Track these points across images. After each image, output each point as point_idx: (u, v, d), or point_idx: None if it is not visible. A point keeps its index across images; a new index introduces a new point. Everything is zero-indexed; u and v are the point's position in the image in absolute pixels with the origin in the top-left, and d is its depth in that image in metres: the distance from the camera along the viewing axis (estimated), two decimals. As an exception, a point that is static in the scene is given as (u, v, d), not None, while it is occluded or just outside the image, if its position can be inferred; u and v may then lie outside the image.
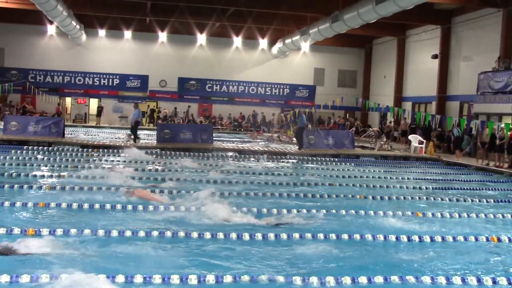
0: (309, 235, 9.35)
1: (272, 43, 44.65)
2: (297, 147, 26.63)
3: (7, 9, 37.27)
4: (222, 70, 45.35)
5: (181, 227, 9.56)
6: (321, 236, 9.37)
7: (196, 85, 45.59)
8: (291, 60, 46.11)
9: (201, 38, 44.26)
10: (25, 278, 6.59)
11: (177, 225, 9.83)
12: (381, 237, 9.54)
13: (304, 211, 11.55)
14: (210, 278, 6.96)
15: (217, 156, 22.38)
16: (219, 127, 41.68)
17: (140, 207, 11.12)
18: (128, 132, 28.41)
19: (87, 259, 7.67)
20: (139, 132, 27.85)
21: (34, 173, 15.37)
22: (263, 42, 44.77)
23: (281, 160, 22.44)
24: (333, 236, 9.42)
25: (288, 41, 40.67)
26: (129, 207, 11.12)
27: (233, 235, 9.10)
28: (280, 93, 46.46)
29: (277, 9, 33.45)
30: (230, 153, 23.55)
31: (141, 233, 9.03)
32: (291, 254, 8.47)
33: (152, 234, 9.04)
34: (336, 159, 23.43)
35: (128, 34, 43.96)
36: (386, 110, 37.02)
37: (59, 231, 8.82)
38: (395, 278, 7.29)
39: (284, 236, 9.29)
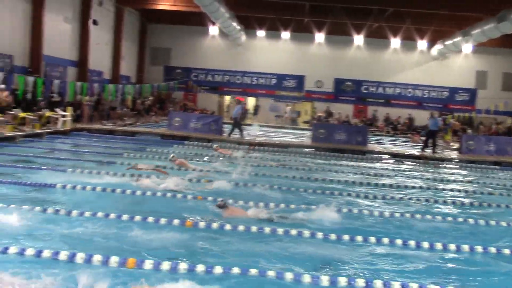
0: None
1: (431, 44, 43.29)
2: (456, 152, 25.63)
3: (174, 12, 39.63)
4: (379, 71, 44.69)
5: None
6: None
7: (351, 86, 45.36)
8: (451, 62, 44.38)
9: (358, 39, 43.91)
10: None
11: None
12: None
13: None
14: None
15: (372, 159, 22.14)
16: (374, 129, 41.10)
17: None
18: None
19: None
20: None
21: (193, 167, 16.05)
22: (421, 44, 43.52)
23: (437, 165, 21.69)
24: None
25: (448, 42, 39.20)
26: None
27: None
28: (438, 96, 44.91)
29: (437, 9, 32.36)
30: (384, 156, 23.18)
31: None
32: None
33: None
34: (498, 167, 22.23)
35: (285, 34, 44.71)
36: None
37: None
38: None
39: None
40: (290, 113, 44.83)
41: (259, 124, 37.31)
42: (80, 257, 6.84)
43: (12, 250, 6.94)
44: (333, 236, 8.92)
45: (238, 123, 26.56)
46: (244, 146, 23.01)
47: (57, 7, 29.97)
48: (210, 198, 11.13)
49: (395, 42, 43.63)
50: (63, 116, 24.51)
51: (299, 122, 44.83)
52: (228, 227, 9.02)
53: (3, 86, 20.40)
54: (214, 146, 19.90)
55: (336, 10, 35.36)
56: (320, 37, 44.21)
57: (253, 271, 6.82)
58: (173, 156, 16.03)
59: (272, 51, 45.50)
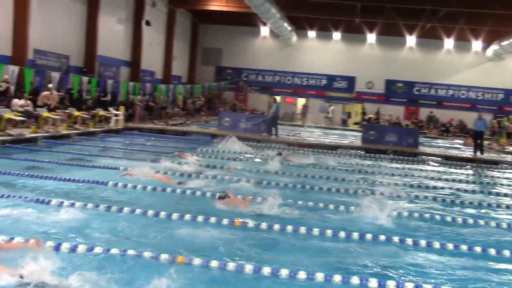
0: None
1: (486, 45, 42.40)
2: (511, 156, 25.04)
3: (226, 12, 39.92)
4: (431, 72, 44.05)
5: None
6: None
7: (403, 88, 44.83)
8: (507, 63, 43.36)
9: (410, 39, 43.36)
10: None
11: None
12: None
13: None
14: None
15: (422, 161, 21.84)
16: (426, 131, 40.47)
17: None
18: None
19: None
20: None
21: (243, 166, 16.11)
22: (476, 44, 42.68)
23: (491, 169, 21.23)
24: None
25: (505, 43, 38.31)
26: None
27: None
28: (493, 98, 43.93)
29: (492, 9, 31.67)
30: (435, 159, 22.82)
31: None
32: None
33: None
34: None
35: (336, 35, 44.52)
36: None
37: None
38: None
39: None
40: (332, 113, 44.57)
41: (308, 125, 37.26)
42: (131, 253, 6.97)
43: (65, 246, 7.11)
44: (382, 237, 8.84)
45: (274, 122, 26.61)
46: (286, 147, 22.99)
47: (111, 8, 30.59)
48: (259, 199, 11.12)
49: (449, 42, 42.92)
50: (116, 115, 24.99)
51: (349, 123, 44.54)
52: (277, 227, 9.02)
53: (51, 85, 20.88)
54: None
55: (388, 10, 34.99)
56: (371, 37, 43.85)
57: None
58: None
59: (322, 52, 45.37)
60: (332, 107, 45.08)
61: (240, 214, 9.79)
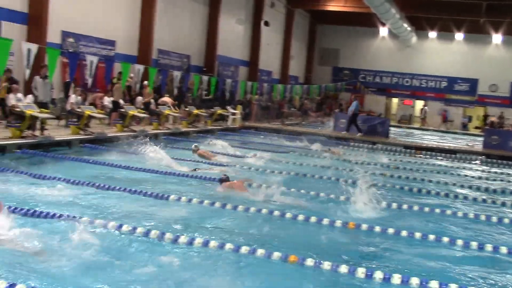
0: None
1: None
2: None
3: (344, 13, 39.65)
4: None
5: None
6: None
7: (530, 91, 42.59)
8: None
9: (540, 40, 41.10)
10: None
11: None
12: None
13: None
14: None
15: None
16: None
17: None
18: None
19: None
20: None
21: (357, 168, 15.95)
22: None
23: None
24: None
25: None
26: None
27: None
28: None
29: None
30: None
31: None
32: None
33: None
34: None
35: (459, 36, 42.96)
36: None
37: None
38: None
39: None
40: (425, 113, 43.16)
41: (425, 128, 36.26)
42: (244, 249, 7.12)
43: (182, 239, 7.38)
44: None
45: (354, 119, 26.22)
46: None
47: (231, 9, 31.32)
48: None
49: None
50: (233, 114, 25.53)
51: (469, 127, 42.87)
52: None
53: (146, 82, 21.60)
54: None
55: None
56: (497, 38, 41.96)
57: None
58: (195, 146, 15.38)
59: (443, 53, 43.96)
60: (426, 107, 43.71)
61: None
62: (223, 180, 10.90)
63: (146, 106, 20.90)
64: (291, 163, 15.98)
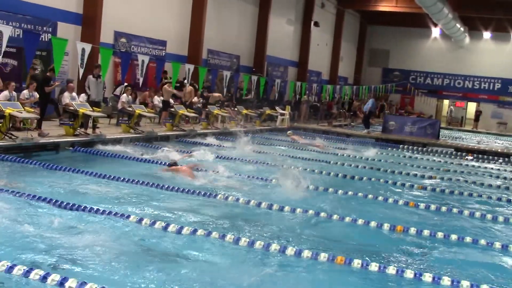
0: None
1: None
2: None
3: (395, 13, 39.18)
4: None
5: None
6: None
7: None
8: None
9: None
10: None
11: None
12: None
13: None
14: None
15: None
16: None
17: None
18: None
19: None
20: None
21: (407, 171, 15.79)
22: None
23: None
24: None
25: None
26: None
27: None
28: None
29: None
30: None
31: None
32: None
33: None
34: None
35: (515, 36, 41.96)
36: None
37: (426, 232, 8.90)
38: None
39: None
40: (451, 113, 42.27)
41: (478, 131, 35.48)
42: (291, 250, 7.14)
43: (228, 237, 7.46)
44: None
45: (367, 118, 26.36)
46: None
47: (281, 10, 31.34)
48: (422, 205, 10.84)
49: None
50: (282, 114, 25.54)
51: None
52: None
53: (185, 81, 21.67)
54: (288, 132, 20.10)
55: None
56: (553, 38, 40.76)
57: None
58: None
59: (498, 54, 42.95)
60: (451, 106, 42.86)
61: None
62: (171, 165, 11.86)
63: (190, 106, 21.01)
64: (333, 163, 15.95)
